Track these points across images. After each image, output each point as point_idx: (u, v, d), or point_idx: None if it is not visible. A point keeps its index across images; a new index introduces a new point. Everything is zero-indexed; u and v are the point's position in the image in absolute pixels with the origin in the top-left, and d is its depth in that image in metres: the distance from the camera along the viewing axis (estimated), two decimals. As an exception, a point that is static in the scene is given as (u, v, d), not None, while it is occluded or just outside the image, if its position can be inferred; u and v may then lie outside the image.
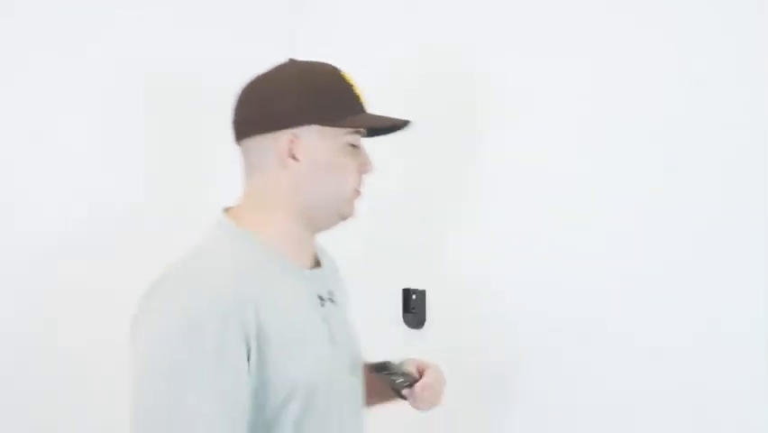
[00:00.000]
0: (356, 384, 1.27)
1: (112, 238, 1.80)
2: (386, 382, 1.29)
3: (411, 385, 1.28)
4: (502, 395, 1.72)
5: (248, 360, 1.05)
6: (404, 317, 1.90)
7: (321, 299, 1.22)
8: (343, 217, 1.24)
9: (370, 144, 1.27)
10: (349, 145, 1.20)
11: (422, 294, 1.88)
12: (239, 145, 1.22)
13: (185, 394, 1.01)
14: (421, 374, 1.31)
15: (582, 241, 1.58)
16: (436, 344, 1.84)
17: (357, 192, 1.23)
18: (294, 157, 1.17)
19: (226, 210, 1.22)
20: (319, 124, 1.17)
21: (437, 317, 1.86)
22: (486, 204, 1.75)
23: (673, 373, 1.46)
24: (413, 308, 1.89)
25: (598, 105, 1.55)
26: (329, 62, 1.24)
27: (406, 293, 1.90)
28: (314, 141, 1.17)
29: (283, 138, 1.17)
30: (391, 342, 1.93)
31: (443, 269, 1.84)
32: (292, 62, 1.25)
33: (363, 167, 1.23)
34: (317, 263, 1.27)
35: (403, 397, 1.30)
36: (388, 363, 1.31)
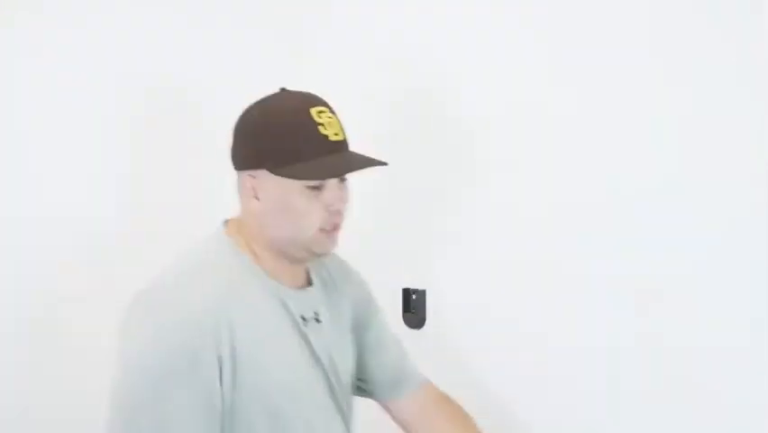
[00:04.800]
0: (335, 405, 1.29)
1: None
2: None
3: None
4: (502, 395, 1.72)
5: (220, 378, 1.11)
6: (404, 317, 1.90)
7: (303, 319, 1.24)
8: (315, 254, 1.25)
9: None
10: (307, 188, 1.19)
11: (422, 294, 1.88)
12: None
13: (160, 404, 1.08)
14: None
15: (580, 244, 1.58)
16: (436, 344, 1.84)
17: (324, 231, 1.22)
18: (256, 197, 1.21)
19: (226, 222, 1.27)
20: (268, 170, 1.19)
21: (437, 317, 1.85)
22: (486, 204, 1.75)
23: (673, 374, 1.46)
24: (413, 308, 1.89)
25: (594, 109, 1.55)
26: (312, 94, 1.25)
27: (406, 293, 1.90)
28: (269, 184, 1.20)
29: (245, 178, 1.22)
30: (391, 342, 1.93)
31: (443, 269, 1.84)
32: (272, 96, 1.26)
33: (329, 206, 1.21)
34: (309, 281, 1.30)
35: None
36: None
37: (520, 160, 1.67)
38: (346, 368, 1.33)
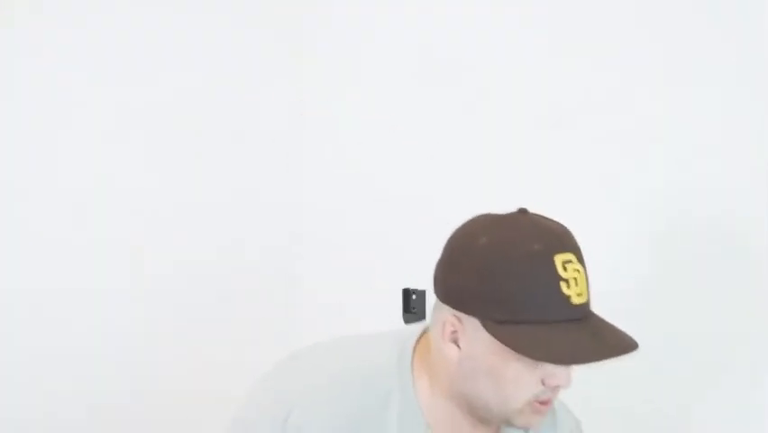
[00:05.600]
0: None
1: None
2: None
3: None
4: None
5: None
6: (404, 317, 1.90)
7: None
8: (513, 426, 0.98)
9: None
10: None
11: (422, 294, 1.88)
12: None
13: None
14: None
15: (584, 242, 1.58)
16: (436, 344, 1.84)
17: (535, 404, 0.94)
18: (455, 342, 0.95)
19: (422, 336, 1.02)
20: (480, 320, 0.92)
21: (437, 317, 1.85)
22: (486, 204, 1.74)
23: (674, 376, 1.46)
24: (413, 308, 1.89)
25: (593, 110, 1.56)
26: (562, 228, 0.96)
27: (406, 293, 1.90)
28: (478, 334, 0.92)
29: (449, 316, 0.95)
30: (391, 342, 1.93)
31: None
32: (511, 218, 0.99)
33: (550, 379, 0.93)
34: None
35: None
36: None
37: (520, 160, 1.68)
38: None
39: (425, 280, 1.85)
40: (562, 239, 0.94)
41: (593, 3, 1.55)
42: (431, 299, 1.83)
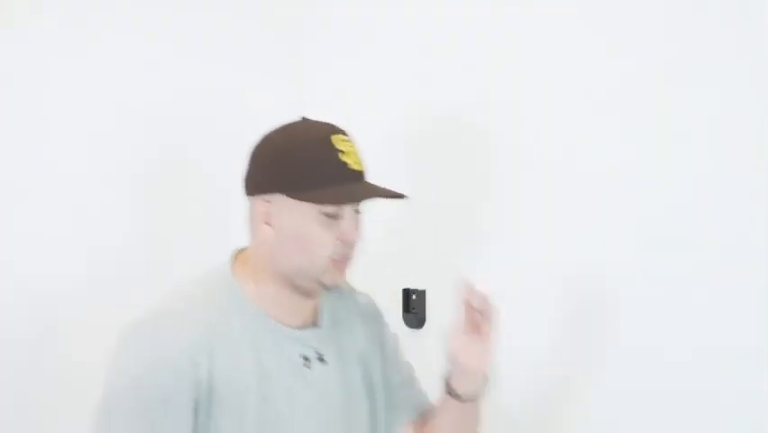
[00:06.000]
0: None
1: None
2: None
3: None
4: (501, 394, 1.72)
5: (195, 420, 1.12)
6: (404, 317, 1.90)
7: (305, 359, 1.22)
8: (324, 286, 1.22)
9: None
10: (323, 215, 1.18)
11: (422, 294, 1.88)
12: None
13: None
14: None
15: (579, 244, 1.58)
16: (436, 344, 1.83)
17: (335, 261, 1.20)
18: (268, 223, 1.19)
19: (237, 253, 1.26)
20: (285, 194, 1.18)
21: (437, 317, 1.85)
22: (486, 203, 1.75)
23: (672, 380, 1.46)
24: (413, 308, 1.89)
25: (594, 110, 1.56)
26: (333, 123, 1.23)
27: (406, 293, 1.90)
28: (284, 209, 1.18)
29: (259, 203, 1.20)
30: (391, 342, 1.93)
31: (443, 269, 1.84)
32: (293, 123, 1.24)
33: (342, 235, 1.20)
34: (316, 319, 1.27)
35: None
36: None
37: (521, 162, 1.68)
38: (359, 411, 1.30)
39: (425, 281, 1.87)
40: (334, 126, 1.22)
41: (593, 3, 1.55)
42: (431, 299, 1.86)
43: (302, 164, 1.17)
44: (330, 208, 1.18)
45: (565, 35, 1.60)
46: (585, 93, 1.57)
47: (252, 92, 2.04)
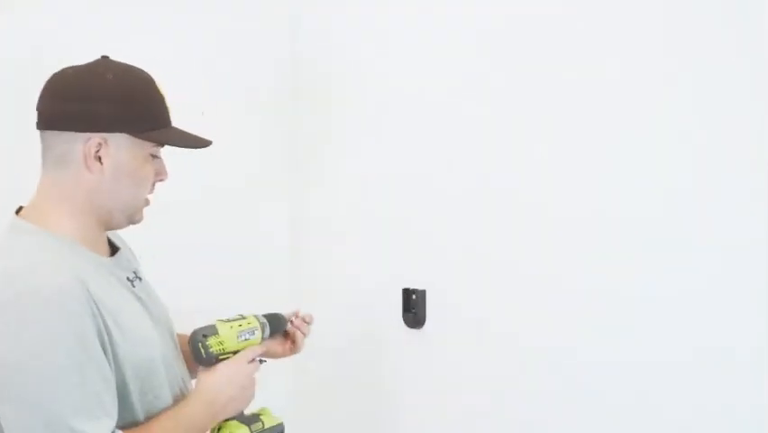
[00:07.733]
0: (179, 353, 1.35)
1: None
2: None
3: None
4: (501, 394, 1.72)
5: (103, 349, 1.14)
6: (404, 317, 1.90)
7: (129, 280, 1.29)
8: (133, 222, 1.29)
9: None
10: (150, 155, 1.26)
11: (422, 294, 1.88)
12: (42, 134, 1.23)
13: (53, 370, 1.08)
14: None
15: (579, 246, 1.58)
16: (436, 344, 1.84)
17: (147, 201, 1.29)
18: (99, 160, 1.21)
19: (19, 211, 1.24)
20: (130, 134, 1.22)
21: (437, 317, 1.85)
22: (486, 203, 1.75)
23: (671, 387, 1.46)
24: (413, 308, 1.89)
25: (593, 110, 1.56)
26: (143, 69, 1.27)
27: (406, 293, 1.90)
28: (121, 148, 1.22)
29: (93, 140, 1.20)
30: (391, 342, 1.93)
31: (443, 269, 1.84)
32: (109, 62, 1.26)
33: (159, 175, 1.29)
34: (114, 250, 1.33)
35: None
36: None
37: (520, 160, 1.68)
38: (170, 319, 1.39)
39: (425, 281, 1.87)
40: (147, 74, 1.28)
41: (593, 3, 1.55)
42: (431, 299, 1.86)
43: (146, 105, 1.24)
44: (156, 149, 1.26)
45: (565, 35, 1.60)
46: (585, 93, 1.57)
47: (252, 92, 2.04)
